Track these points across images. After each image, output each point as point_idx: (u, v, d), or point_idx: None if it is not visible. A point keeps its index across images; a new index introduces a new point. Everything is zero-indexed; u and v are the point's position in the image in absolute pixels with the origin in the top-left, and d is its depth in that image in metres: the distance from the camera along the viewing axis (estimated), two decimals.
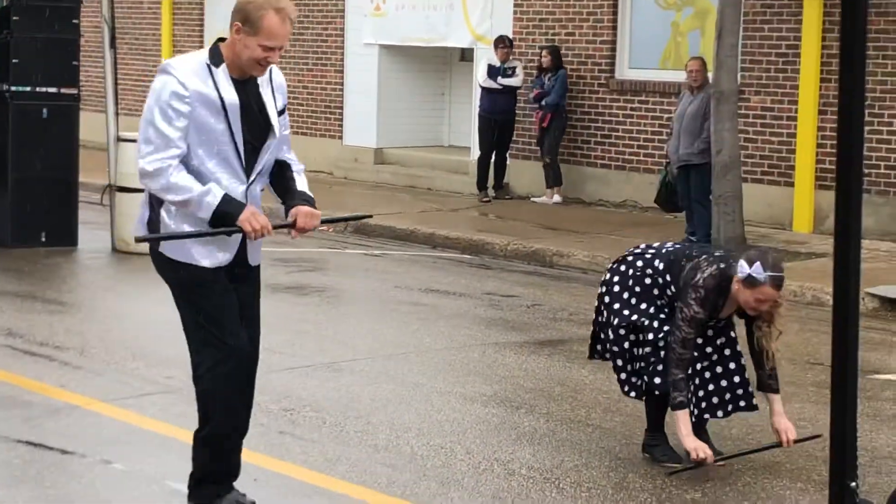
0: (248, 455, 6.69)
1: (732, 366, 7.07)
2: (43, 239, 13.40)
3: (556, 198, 17.12)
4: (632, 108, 16.88)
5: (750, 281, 6.58)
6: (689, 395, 6.90)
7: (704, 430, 7.15)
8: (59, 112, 13.58)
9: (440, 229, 15.07)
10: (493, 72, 17.37)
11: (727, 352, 7.06)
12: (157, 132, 5.48)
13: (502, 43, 17.41)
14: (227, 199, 5.53)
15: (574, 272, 13.36)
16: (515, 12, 17.97)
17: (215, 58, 5.57)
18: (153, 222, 5.72)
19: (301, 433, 7.23)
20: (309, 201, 5.77)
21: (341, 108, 20.42)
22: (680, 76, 15.41)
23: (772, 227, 15.25)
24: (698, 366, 7.00)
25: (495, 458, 6.99)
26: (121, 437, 7.06)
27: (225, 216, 5.54)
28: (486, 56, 17.69)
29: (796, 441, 7.03)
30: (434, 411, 7.88)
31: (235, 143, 5.59)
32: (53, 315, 10.25)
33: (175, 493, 6.21)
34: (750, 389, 7.09)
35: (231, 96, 5.55)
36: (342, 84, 20.37)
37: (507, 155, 17.73)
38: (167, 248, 5.70)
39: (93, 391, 7.99)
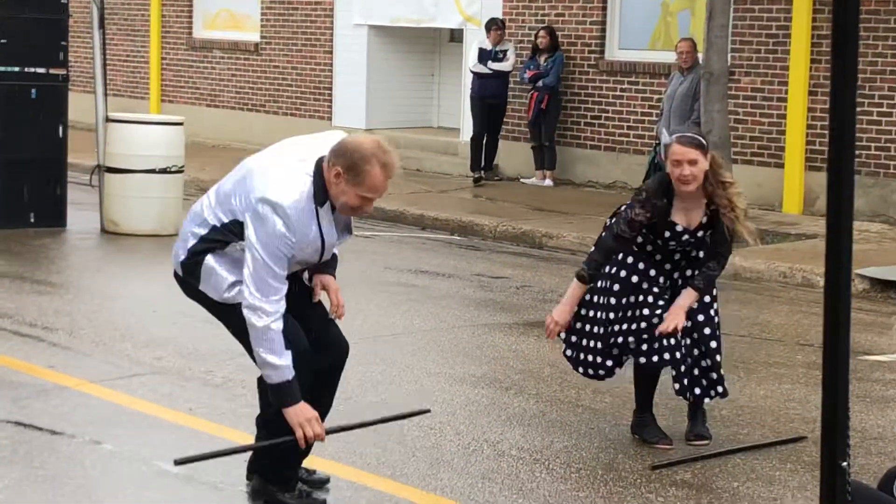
0: (241, 436, 6.72)
1: (713, 345, 7.02)
2: (31, 220, 13.37)
3: (548, 181, 17.10)
4: (622, 90, 16.87)
5: (665, 150, 6.78)
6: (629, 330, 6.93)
7: (703, 417, 7.14)
8: (47, 93, 13.54)
9: (430, 210, 15.06)
10: (483, 56, 17.32)
11: (706, 330, 7.02)
12: (273, 274, 5.39)
13: (495, 25, 17.35)
14: (295, 386, 5.49)
15: (563, 253, 13.36)
16: None
17: (319, 196, 5.43)
18: (191, 266, 5.64)
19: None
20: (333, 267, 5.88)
21: (330, 88, 20.38)
22: (670, 57, 15.41)
23: (762, 209, 15.25)
24: (687, 341, 6.99)
25: (485, 439, 6.99)
26: (110, 418, 7.05)
27: (282, 395, 5.50)
28: (476, 39, 17.64)
29: (780, 442, 7.04)
30: (423, 392, 7.88)
31: (322, 255, 5.63)
32: (42, 296, 10.23)
33: (163, 473, 6.21)
34: (721, 373, 7.06)
35: (331, 236, 5.56)
36: (331, 65, 20.34)
37: (498, 137, 17.70)
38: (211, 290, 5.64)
39: (82, 372, 7.98)
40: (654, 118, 15.79)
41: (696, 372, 7.01)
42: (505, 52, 17.29)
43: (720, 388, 7.06)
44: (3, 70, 13.38)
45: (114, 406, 7.31)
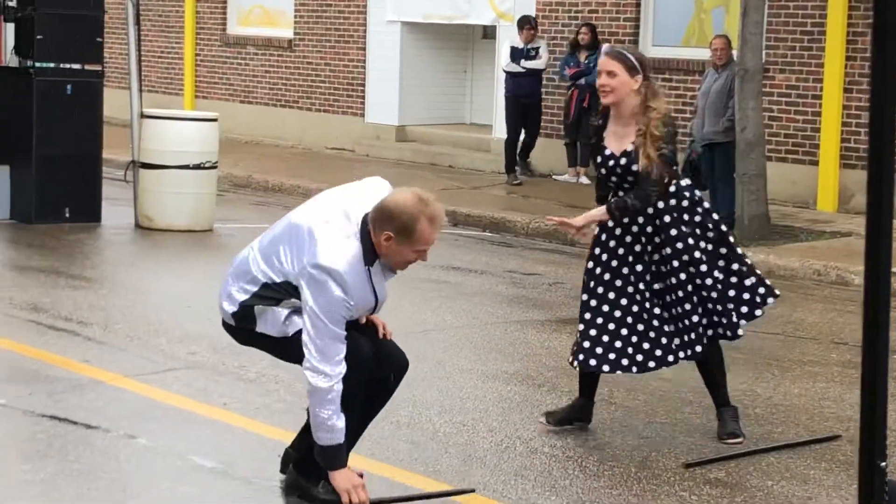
0: (274, 431, 6.74)
1: (687, 307, 6.87)
2: (67, 215, 13.43)
3: (584, 178, 17.02)
4: None
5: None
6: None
7: (734, 414, 7.10)
8: (83, 88, 13.59)
9: (462, 207, 15.06)
10: (516, 54, 17.20)
11: (680, 293, 6.87)
12: (336, 335, 5.46)
13: (527, 24, 17.26)
14: (344, 450, 5.63)
15: None
16: None
17: (369, 257, 5.50)
18: (243, 312, 5.68)
19: None
20: None
21: (363, 85, 20.40)
22: (704, 54, 15.36)
23: (796, 206, 15.19)
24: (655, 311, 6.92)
25: (517, 436, 6.99)
26: (144, 413, 7.07)
27: (332, 459, 5.62)
28: (508, 38, 17.56)
29: (815, 441, 7.00)
30: (456, 389, 7.88)
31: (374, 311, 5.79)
32: (77, 290, 10.28)
33: (198, 468, 6.23)
34: (701, 332, 6.90)
35: (382, 293, 5.70)
36: (364, 61, 20.35)
37: (537, 135, 17.54)
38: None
39: (116, 366, 8.01)
40: (687, 115, 15.73)
41: (664, 341, 6.92)
42: (537, 49, 17.23)
43: (697, 349, 6.91)
44: (39, 66, 13.44)
45: (148, 401, 7.33)
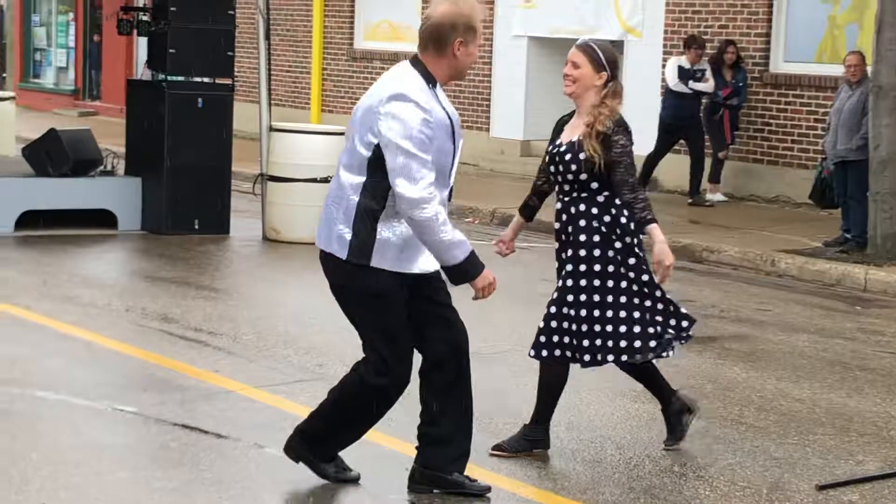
0: (401, 445, 6.74)
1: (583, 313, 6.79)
2: (196, 226, 13.60)
3: (719, 196, 16.70)
4: (786, 102, 16.60)
5: None
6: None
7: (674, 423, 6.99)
8: (213, 102, 13.76)
9: None
10: (684, 74, 16.53)
11: (582, 297, 6.79)
12: (420, 162, 5.65)
13: (694, 44, 16.59)
14: (475, 256, 5.80)
15: (724, 268, 13.18)
16: (668, 3, 17.79)
17: (429, 78, 5.80)
18: (362, 244, 5.79)
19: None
20: None
21: (489, 100, 20.41)
22: (836, 70, 15.11)
23: None
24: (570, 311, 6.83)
25: (646, 455, 6.92)
26: (274, 423, 7.11)
27: (475, 265, 5.78)
28: (674, 57, 16.83)
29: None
30: (584, 405, 7.82)
31: (454, 156, 5.88)
32: (207, 301, 10.39)
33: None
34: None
35: (454, 113, 5.91)
36: (490, 76, 20.36)
37: (699, 158, 16.93)
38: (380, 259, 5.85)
39: (245, 376, 8.08)
40: (819, 132, 15.50)
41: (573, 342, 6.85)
42: (703, 71, 16.56)
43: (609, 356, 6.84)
44: (171, 80, 13.64)
45: (277, 411, 7.38)
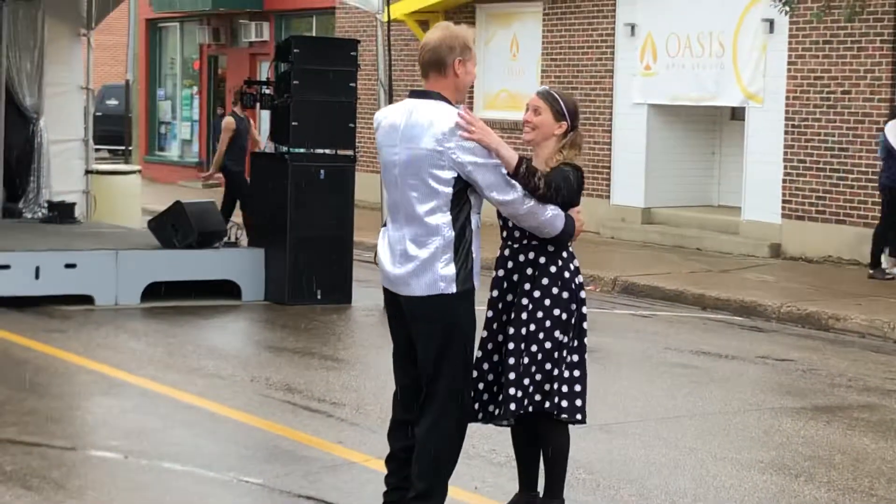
0: None
1: (510, 361, 6.37)
2: (318, 296, 13.70)
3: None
4: None
5: None
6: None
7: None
8: (335, 173, 13.90)
9: (710, 290, 14.83)
10: None
11: (510, 345, 6.40)
12: (502, 171, 6.15)
13: None
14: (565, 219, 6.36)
15: (851, 336, 12.96)
16: (789, 70, 17.66)
17: (450, 104, 6.14)
18: (467, 273, 6.14)
19: (575, 496, 7.16)
20: None
21: (609, 167, 20.37)
22: None
23: None
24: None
25: None
26: None
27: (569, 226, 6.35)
28: (893, 121, 16.37)
29: None
30: (710, 477, 7.72)
31: None
32: (330, 371, 10.45)
33: None
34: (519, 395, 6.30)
35: None
36: (610, 143, 20.34)
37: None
38: (476, 278, 6.18)
39: (369, 448, 8.08)
40: None
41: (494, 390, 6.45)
42: None
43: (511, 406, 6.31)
44: (294, 151, 13.81)
45: None
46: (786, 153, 17.69)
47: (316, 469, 7.60)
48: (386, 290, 6.34)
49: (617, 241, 19.49)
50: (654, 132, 19.84)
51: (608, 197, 20.33)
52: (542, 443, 6.52)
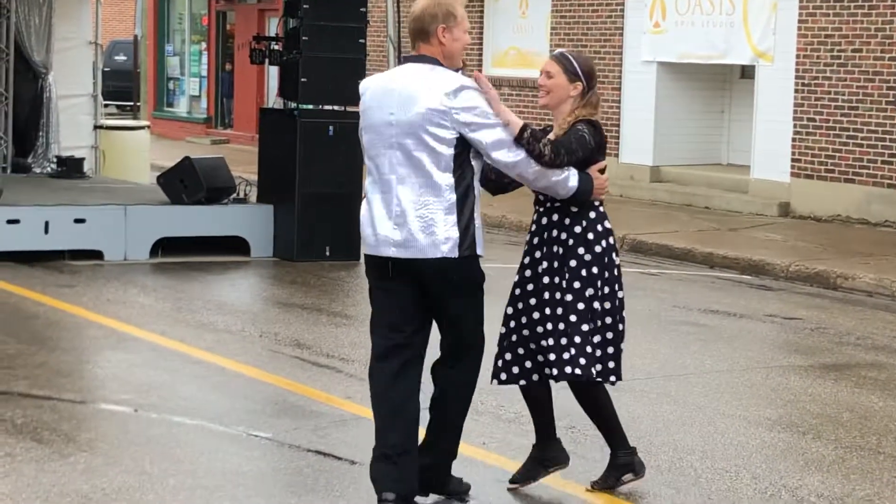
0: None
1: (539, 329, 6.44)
2: (327, 253, 13.71)
3: None
4: None
5: None
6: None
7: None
8: (343, 130, 13.87)
9: (719, 249, 14.83)
10: None
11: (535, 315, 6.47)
12: (506, 130, 6.04)
13: None
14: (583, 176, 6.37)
15: (859, 295, 12.96)
16: (800, 28, 17.58)
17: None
18: (472, 237, 6.09)
19: (583, 452, 7.19)
20: None
21: (618, 125, 20.33)
22: None
23: None
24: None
25: (783, 485, 6.82)
26: None
27: (585, 183, 6.35)
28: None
29: None
30: (717, 434, 7.74)
31: None
32: (339, 328, 10.47)
33: None
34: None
35: None
36: (619, 102, 20.29)
37: None
38: (479, 245, 6.14)
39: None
40: None
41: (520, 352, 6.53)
42: None
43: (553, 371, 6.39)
44: (302, 108, 13.79)
45: None
46: (795, 112, 17.64)
47: (325, 424, 7.63)
48: (371, 258, 6.24)
49: (626, 199, 19.47)
50: (664, 90, 19.77)
51: (617, 155, 20.29)
52: (586, 408, 6.63)
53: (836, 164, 17.20)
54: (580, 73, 6.45)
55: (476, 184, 6.13)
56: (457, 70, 6.11)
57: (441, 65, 6.06)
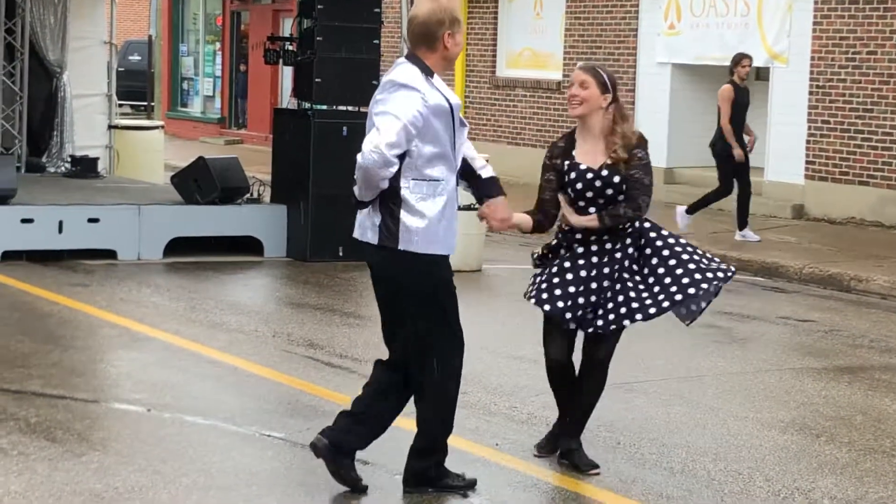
0: (543, 474, 6.73)
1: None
2: (340, 253, 13.71)
3: None
4: None
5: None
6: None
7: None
8: (357, 130, 13.76)
9: (732, 251, 14.81)
10: None
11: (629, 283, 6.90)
12: (404, 130, 6.04)
13: None
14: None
15: (873, 297, 12.94)
16: (814, 30, 17.56)
17: (426, 70, 6.20)
18: (388, 228, 6.24)
19: (596, 453, 7.18)
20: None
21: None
22: None
23: None
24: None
25: (796, 487, 6.81)
26: None
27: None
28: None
29: None
30: (730, 436, 7.73)
31: (454, 140, 6.27)
32: (352, 328, 10.48)
33: None
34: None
35: (455, 99, 6.29)
36: (633, 103, 20.27)
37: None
38: (420, 244, 6.24)
39: None
40: None
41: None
42: None
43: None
44: (316, 108, 13.79)
45: None
46: (810, 114, 17.62)
47: None
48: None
49: None
50: (678, 92, 19.76)
51: None
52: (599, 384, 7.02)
53: (850, 167, 17.17)
54: (609, 85, 6.78)
55: (450, 182, 6.30)
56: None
57: (424, 67, 6.19)
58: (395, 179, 6.14)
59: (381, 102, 6.13)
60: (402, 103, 6.05)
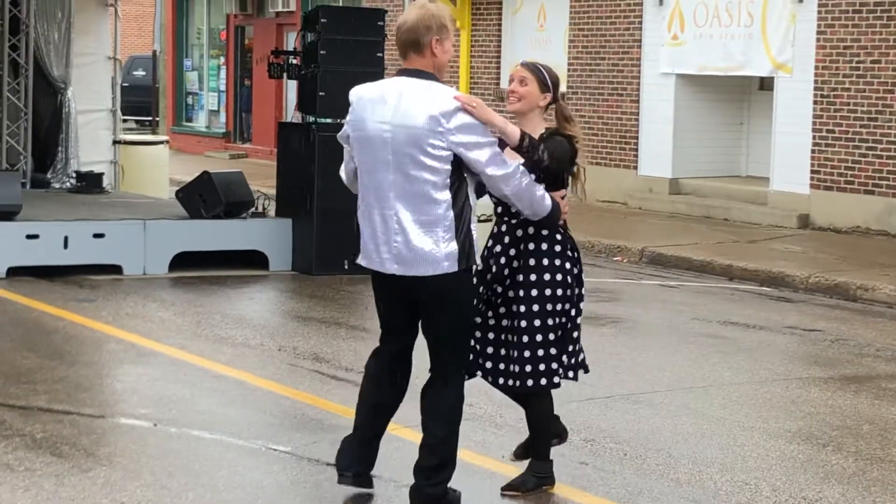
0: (555, 487, 6.71)
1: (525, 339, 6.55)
2: (346, 267, 13.71)
3: None
4: None
5: None
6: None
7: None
8: None
9: (738, 261, 14.80)
10: None
11: (523, 323, 6.54)
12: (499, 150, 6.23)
13: None
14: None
15: (879, 307, 12.92)
16: (818, 39, 17.55)
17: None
18: (468, 250, 6.13)
19: (602, 464, 7.18)
20: None
21: (636, 138, 20.32)
22: None
23: None
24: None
25: (802, 497, 6.80)
26: None
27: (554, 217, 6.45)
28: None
29: None
30: (737, 446, 7.72)
31: None
32: (358, 341, 10.47)
33: None
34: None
35: None
36: (638, 114, 20.27)
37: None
38: (476, 256, 6.21)
39: (396, 417, 8.03)
40: None
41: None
42: None
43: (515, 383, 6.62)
44: (321, 122, 13.81)
45: None
46: (814, 123, 17.61)
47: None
48: (376, 274, 6.34)
49: (644, 211, 19.46)
50: (682, 102, 19.76)
51: (636, 167, 20.28)
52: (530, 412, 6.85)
53: (855, 176, 17.16)
54: (550, 84, 6.65)
55: (472, 196, 6.21)
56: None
57: (437, 80, 6.16)
58: (465, 195, 6.18)
59: (457, 132, 6.05)
60: (480, 127, 6.12)
